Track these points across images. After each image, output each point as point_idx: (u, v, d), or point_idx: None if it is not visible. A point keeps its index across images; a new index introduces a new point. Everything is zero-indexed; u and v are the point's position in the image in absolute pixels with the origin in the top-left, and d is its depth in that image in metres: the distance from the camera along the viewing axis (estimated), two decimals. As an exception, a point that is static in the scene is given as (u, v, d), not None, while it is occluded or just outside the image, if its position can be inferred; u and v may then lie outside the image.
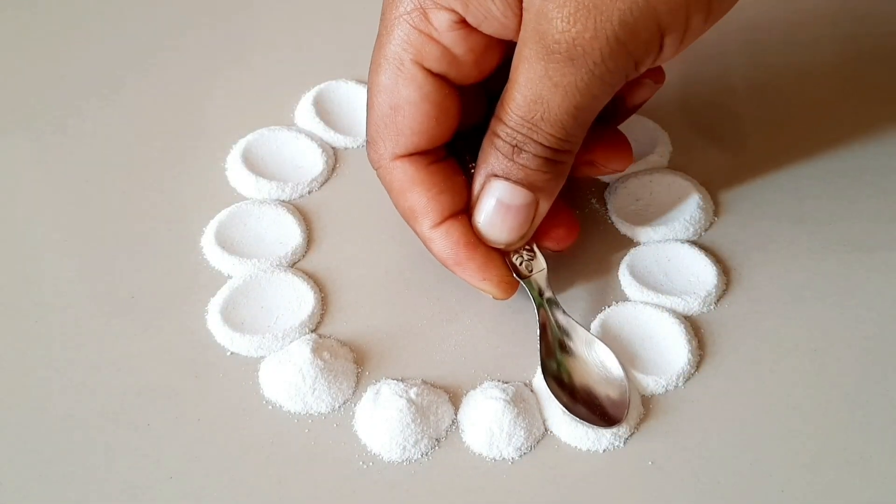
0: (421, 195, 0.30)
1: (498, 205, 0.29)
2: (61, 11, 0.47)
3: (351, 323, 0.33)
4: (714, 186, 0.38)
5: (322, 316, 0.33)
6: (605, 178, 0.38)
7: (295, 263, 0.35)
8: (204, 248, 0.35)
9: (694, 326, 0.33)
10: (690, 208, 0.36)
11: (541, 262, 0.32)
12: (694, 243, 0.35)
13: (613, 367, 0.30)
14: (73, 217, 0.36)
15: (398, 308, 0.33)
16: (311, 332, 0.33)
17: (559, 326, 0.31)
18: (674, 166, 0.39)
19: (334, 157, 0.39)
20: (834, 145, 0.40)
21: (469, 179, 0.31)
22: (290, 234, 0.35)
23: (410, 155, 0.30)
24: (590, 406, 0.29)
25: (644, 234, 0.36)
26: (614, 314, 0.33)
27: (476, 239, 0.30)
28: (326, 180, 0.38)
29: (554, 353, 0.30)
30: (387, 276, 0.34)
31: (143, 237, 0.36)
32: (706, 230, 0.36)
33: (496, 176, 0.29)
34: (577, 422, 0.29)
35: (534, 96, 0.27)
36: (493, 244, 0.30)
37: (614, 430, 0.29)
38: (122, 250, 0.35)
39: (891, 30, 0.46)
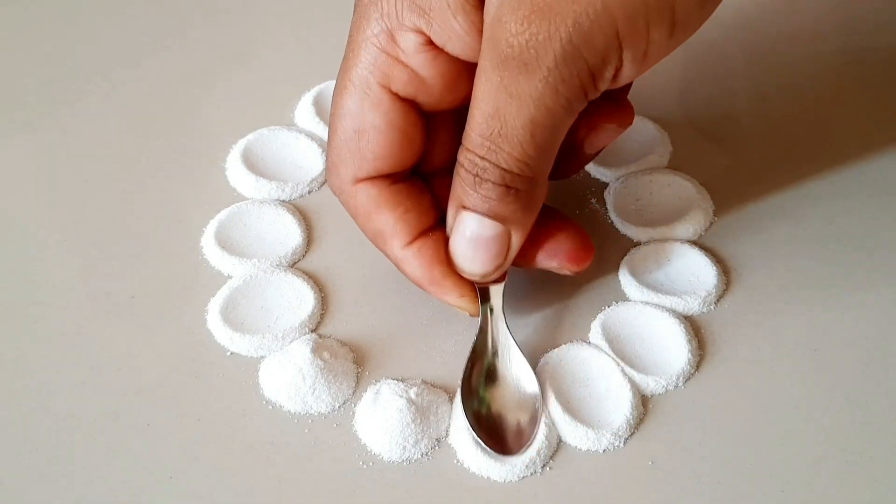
0: (388, 216, 0.30)
1: (469, 237, 0.29)
2: (61, 11, 0.47)
3: (351, 323, 0.33)
4: (714, 186, 0.38)
5: (322, 316, 0.33)
6: (604, 178, 0.38)
7: (295, 263, 0.35)
8: (204, 248, 0.35)
9: (694, 326, 0.33)
10: (690, 208, 0.36)
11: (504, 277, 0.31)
12: (694, 243, 0.35)
13: (529, 385, 0.30)
14: (73, 217, 0.36)
15: (398, 308, 0.33)
16: (311, 332, 0.33)
17: (493, 340, 0.30)
18: (674, 166, 0.39)
19: (334, 157, 0.39)
20: (834, 145, 0.40)
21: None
22: (290, 234, 0.35)
23: (373, 178, 0.29)
24: (495, 433, 0.29)
25: (644, 234, 0.36)
26: (614, 314, 0.33)
27: (449, 256, 0.30)
28: (326, 180, 0.38)
29: (478, 383, 0.30)
30: (387, 276, 0.34)
31: (143, 237, 0.36)
32: (706, 230, 0.36)
33: (465, 208, 0.28)
34: (481, 446, 0.29)
35: (491, 110, 0.26)
36: (469, 277, 0.30)
37: (614, 429, 0.29)
38: (122, 250, 0.35)
39: (891, 30, 0.46)
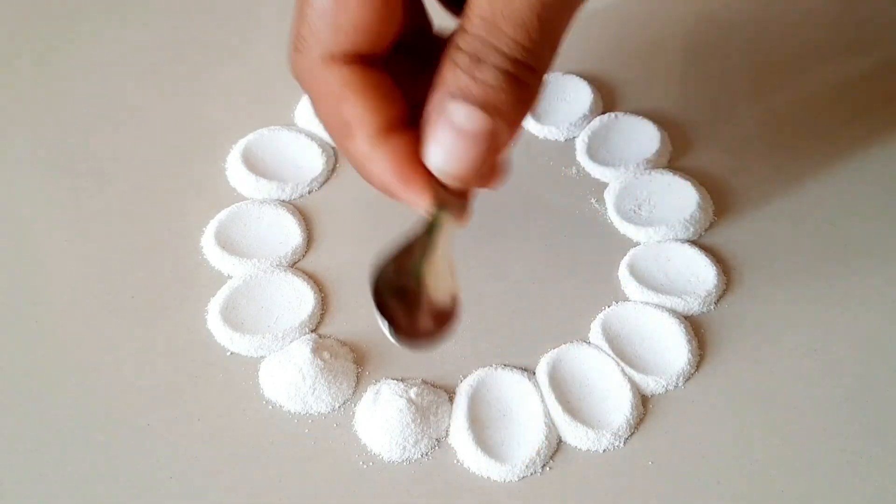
0: (358, 103, 0.26)
1: (452, 129, 0.25)
2: (62, 11, 0.47)
3: (351, 323, 0.33)
4: (714, 186, 0.38)
5: (322, 316, 0.33)
6: (604, 178, 0.38)
7: (295, 263, 0.35)
8: (204, 248, 0.35)
9: (694, 326, 0.33)
10: (690, 208, 0.36)
11: (465, 218, 0.27)
12: (694, 243, 0.35)
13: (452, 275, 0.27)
14: (74, 217, 0.36)
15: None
16: (311, 332, 0.33)
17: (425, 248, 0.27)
18: (674, 166, 0.39)
19: (334, 157, 0.39)
20: (834, 145, 0.40)
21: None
22: (290, 234, 0.35)
23: (346, 59, 0.27)
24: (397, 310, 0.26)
25: (644, 234, 0.36)
26: (614, 314, 0.33)
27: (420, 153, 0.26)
28: (326, 180, 0.38)
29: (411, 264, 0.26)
30: (387, 276, 0.34)
31: (143, 237, 0.36)
32: (706, 230, 0.36)
33: (452, 97, 0.25)
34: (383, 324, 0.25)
35: None
36: (440, 175, 0.26)
37: (614, 429, 0.29)
38: (122, 250, 0.35)
39: (891, 30, 0.46)
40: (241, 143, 0.39)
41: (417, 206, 0.27)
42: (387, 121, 0.27)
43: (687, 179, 0.37)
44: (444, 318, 0.26)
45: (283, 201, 0.37)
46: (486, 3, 0.24)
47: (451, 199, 0.27)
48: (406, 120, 0.27)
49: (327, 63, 0.27)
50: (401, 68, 0.28)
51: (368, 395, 0.30)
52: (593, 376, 0.31)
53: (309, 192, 0.38)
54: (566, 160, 0.39)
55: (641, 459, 0.29)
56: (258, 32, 0.46)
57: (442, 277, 0.26)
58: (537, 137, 0.40)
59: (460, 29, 0.25)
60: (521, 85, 0.25)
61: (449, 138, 0.26)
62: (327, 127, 0.28)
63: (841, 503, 0.28)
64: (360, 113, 0.27)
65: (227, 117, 0.41)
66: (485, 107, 0.25)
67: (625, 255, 0.35)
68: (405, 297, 0.26)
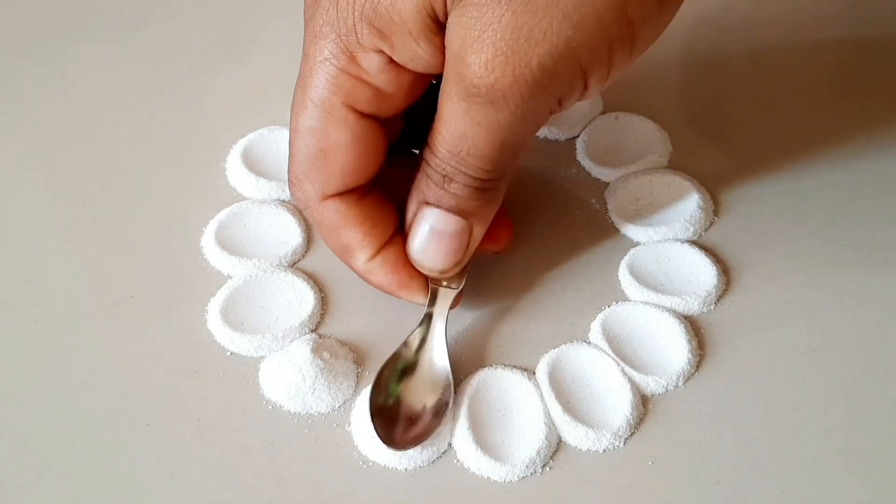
0: (355, 232, 0.30)
1: (431, 232, 0.29)
2: (62, 11, 0.47)
3: (351, 323, 0.33)
4: (714, 186, 0.38)
5: (322, 316, 0.33)
6: (604, 178, 0.38)
7: (295, 263, 0.35)
8: (204, 248, 0.35)
9: (694, 326, 0.33)
10: (690, 208, 0.36)
11: (460, 283, 0.31)
12: (694, 243, 0.35)
13: (442, 391, 0.30)
14: (74, 217, 0.36)
15: (398, 308, 0.33)
16: (311, 332, 0.33)
17: (423, 340, 0.31)
18: (674, 166, 0.39)
19: (334, 157, 0.39)
20: (834, 145, 0.40)
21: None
22: (290, 234, 0.35)
23: (341, 193, 0.30)
24: (393, 425, 0.29)
25: (644, 234, 0.36)
26: (614, 314, 0.33)
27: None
28: (326, 180, 0.38)
29: (390, 376, 0.30)
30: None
31: (143, 237, 0.36)
32: (706, 230, 0.36)
33: (428, 204, 0.29)
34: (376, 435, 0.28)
35: (458, 133, 0.27)
36: (427, 272, 0.30)
37: (614, 429, 0.29)
38: (122, 250, 0.35)
39: (891, 30, 0.46)
40: (241, 143, 0.39)
41: (416, 302, 0.31)
42: (379, 242, 0.30)
43: (687, 179, 0.37)
44: (422, 423, 0.29)
45: (283, 201, 0.37)
46: (452, 143, 0.27)
47: (445, 281, 0.31)
48: (396, 229, 0.31)
49: (323, 199, 0.30)
50: (390, 173, 0.31)
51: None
52: (593, 376, 0.31)
53: (309, 192, 0.38)
54: (566, 160, 0.39)
55: (641, 459, 0.29)
56: (258, 33, 0.46)
57: (424, 381, 0.30)
58: (537, 137, 0.40)
59: (428, 149, 0.28)
60: (486, 192, 0.29)
61: (428, 238, 0.29)
62: (330, 247, 0.31)
63: (841, 503, 0.28)
64: (357, 240, 0.30)
65: (227, 117, 0.41)
66: (458, 212, 0.29)
67: (625, 255, 0.35)
68: (385, 413, 0.29)
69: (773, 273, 0.35)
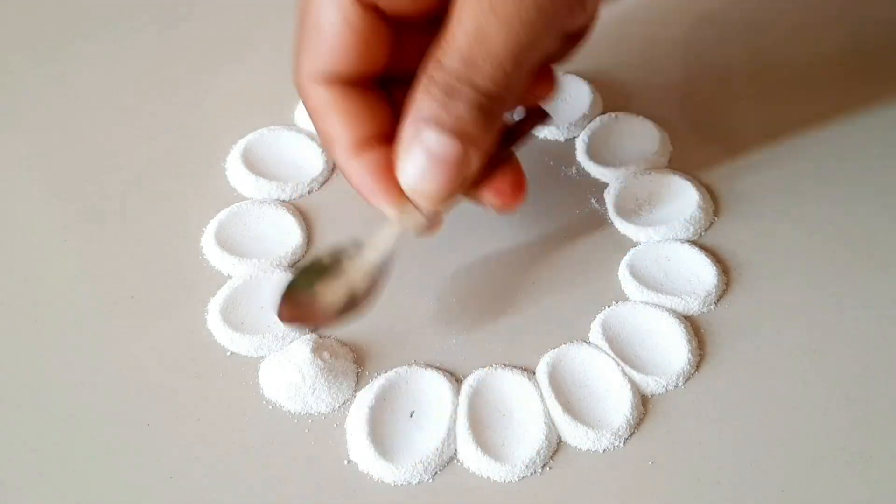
0: (336, 120, 0.29)
1: (427, 156, 0.27)
2: (62, 11, 0.47)
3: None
4: (714, 186, 0.38)
5: (322, 316, 0.33)
6: (604, 179, 0.38)
7: (295, 263, 0.35)
8: (204, 248, 0.35)
9: (694, 326, 0.33)
10: (690, 208, 0.36)
11: (437, 217, 0.29)
12: (694, 243, 0.35)
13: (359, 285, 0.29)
14: (73, 217, 0.36)
15: (398, 307, 0.33)
16: (311, 332, 0.33)
17: (369, 249, 0.29)
18: (674, 166, 0.39)
19: (334, 157, 0.39)
20: (834, 145, 0.40)
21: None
22: (290, 234, 0.35)
23: (331, 79, 0.29)
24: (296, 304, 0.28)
25: (644, 234, 0.36)
26: (614, 314, 0.33)
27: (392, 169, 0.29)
28: (326, 180, 0.38)
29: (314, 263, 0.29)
30: (387, 276, 0.34)
31: (143, 237, 0.36)
32: (706, 230, 0.36)
33: (426, 124, 0.27)
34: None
35: (476, 31, 0.25)
36: (416, 196, 0.28)
37: (614, 429, 0.29)
38: (122, 250, 0.35)
39: (892, 31, 0.46)
40: (241, 143, 0.39)
41: (385, 211, 0.29)
42: (360, 138, 0.29)
43: (687, 179, 0.37)
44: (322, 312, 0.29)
45: (283, 201, 0.37)
46: (464, 42, 0.26)
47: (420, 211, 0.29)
48: (386, 133, 0.29)
49: (314, 81, 0.29)
50: (404, 93, 0.29)
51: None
52: (593, 376, 0.31)
53: (309, 192, 0.38)
54: (566, 160, 0.39)
55: (641, 459, 0.29)
56: (258, 33, 0.46)
57: (350, 279, 0.29)
58: (537, 137, 0.40)
59: (434, 60, 0.27)
60: (490, 116, 0.27)
61: (422, 161, 0.27)
62: (318, 135, 0.30)
63: (841, 503, 0.28)
64: (337, 129, 0.29)
65: (227, 117, 0.41)
66: (457, 135, 0.27)
67: (625, 255, 0.35)
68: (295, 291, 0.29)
69: (773, 273, 0.35)
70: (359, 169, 0.29)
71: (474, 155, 0.27)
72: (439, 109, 0.26)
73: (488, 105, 0.27)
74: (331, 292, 0.29)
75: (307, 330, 0.29)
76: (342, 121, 0.29)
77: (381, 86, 0.30)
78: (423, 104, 0.27)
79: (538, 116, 0.32)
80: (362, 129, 0.29)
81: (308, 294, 0.29)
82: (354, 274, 0.29)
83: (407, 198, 0.28)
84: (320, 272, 0.29)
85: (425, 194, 0.28)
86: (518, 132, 0.31)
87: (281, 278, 0.34)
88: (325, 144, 0.30)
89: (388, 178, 0.28)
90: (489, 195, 0.30)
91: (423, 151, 0.27)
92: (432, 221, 0.29)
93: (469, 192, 0.29)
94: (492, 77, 0.26)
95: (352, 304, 0.29)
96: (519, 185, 0.31)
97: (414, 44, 0.29)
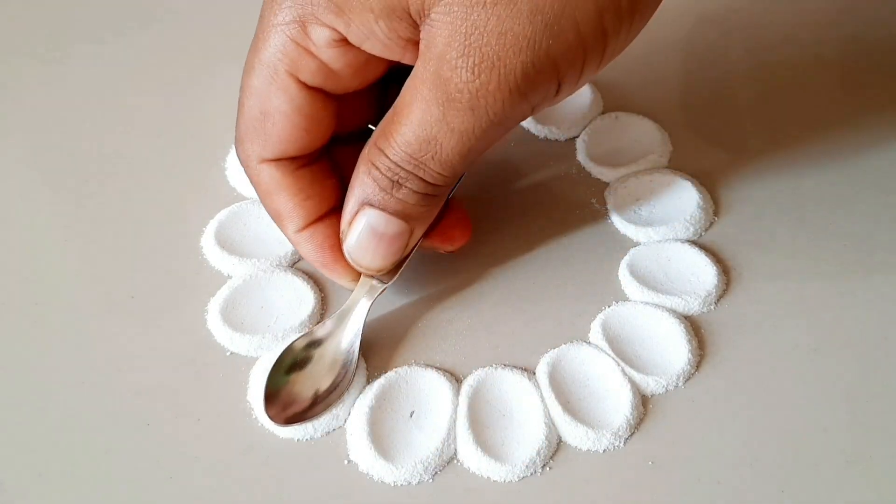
0: (287, 200, 0.30)
1: (370, 232, 0.29)
2: (62, 11, 0.47)
3: (351, 323, 0.33)
4: (714, 186, 0.38)
5: (322, 316, 0.33)
6: (604, 178, 0.38)
7: (295, 263, 0.35)
8: (204, 248, 0.35)
9: (694, 326, 0.33)
10: (690, 208, 0.36)
11: (392, 278, 0.31)
12: (694, 243, 0.35)
13: (339, 375, 0.30)
14: (73, 217, 0.37)
15: (397, 307, 0.33)
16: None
17: (336, 326, 0.31)
18: (674, 166, 0.39)
19: (334, 157, 0.39)
20: (834, 145, 0.40)
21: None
22: (290, 234, 0.35)
23: (278, 159, 0.29)
24: (280, 402, 0.29)
25: (644, 234, 0.36)
26: (614, 314, 0.33)
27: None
28: (326, 180, 0.38)
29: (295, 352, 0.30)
30: (387, 276, 0.34)
31: (143, 237, 0.36)
32: (706, 230, 0.36)
33: (369, 205, 0.28)
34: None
35: (427, 137, 0.26)
36: (362, 270, 0.30)
37: (614, 429, 0.29)
38: (122, 250, 0.35)
39: (892, 31, 0.46)
40: (241, 143, 0.39)
41: (341, 284, 0.31)
42: (311, 215, 0.30)
43: (687, 179, 0.37)
44: (296, 410, 0.29)
45: (283, 201, 0.37)
46: (417, 146, 0.27)
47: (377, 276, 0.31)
48: (334, 206, 0.30)
49: (260, 162, 0.30)
50: (346, 154, 0.31)
51: None
52: (593, 376, 0.31)
53: (309, 192, 0.38)
54: (566, 160, 0.39)
55: (641, 459, 0.29)
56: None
57: (324, 364, 0.30)
58: (537, 137, 0.40)
59: (378, 150, 0.27)
60: (434, 198, 0.28)
61: (365, 238, 0.29)
62: (265, 209, 0.31)
63: (841, 503, 0.28)
64: (287, 209, 0.30)
65: (227, 117, 0.41)
66: (400, 216, 0.28)
67: (625, 255, 0.35)
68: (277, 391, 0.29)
69: (773, 273, 0.35)
70: (311, 245, 0.30)
71: (418, 230, 0.29)
72: (384, 196, 0.28)
73: (432, 192, 0.28)
74: (308, 385, 0.30)
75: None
76: (292, 201, 0.30)
77: (325, 150, 0.31)
78: (368, 189, 0.28)
79: None
80: (312, 209, 0.30)
81: (287, 391, 0.29)
82: (328, 362, 0.30)
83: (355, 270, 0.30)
84: (294, 366, 0.30)
85: (370, 267, 0.30)
86: None
87: (281, 278, 0.34)
88: (276, 221, 0.31)
89: (341, 252, 0.30)
90: (437, 242, 0.32)
91: (367, 228, 0.28)
92: (389, 282, 0.31)
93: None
94: (439, 176, 0.27)
95: (332, 389, 0.30)
96: (464, 226, 0.33)
97: (354, 105, 0.31)
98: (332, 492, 0.28)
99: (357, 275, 0.31)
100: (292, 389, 0.29)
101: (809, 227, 0.36)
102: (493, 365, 0.31)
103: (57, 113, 0.41)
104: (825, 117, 0.41)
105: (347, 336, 0.30)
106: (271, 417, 0.28)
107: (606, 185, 0.38)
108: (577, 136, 0.40)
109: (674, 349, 0.32)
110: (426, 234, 0.31)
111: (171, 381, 0.31)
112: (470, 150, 0.27)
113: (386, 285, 0.31)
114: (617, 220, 0.36)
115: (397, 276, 0.31)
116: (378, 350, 0.32)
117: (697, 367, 0.32)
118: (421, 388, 0.31)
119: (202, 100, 0.42)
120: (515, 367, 0.31)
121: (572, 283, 0.34)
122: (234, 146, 0.39)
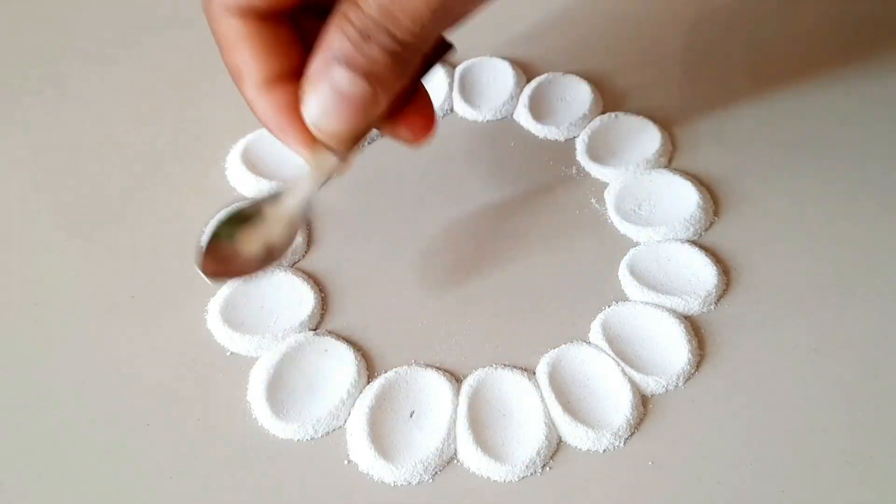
0: (248, 53, 0.28)
1: (332, 91, 0.27)
2: (63, 13, 0.47)
3: (351, 322, 0.33)
4: (714, 186, 0.38)
5: (322, 315, 0.33)
6: (604, 179, 0.38)
7: (295, 263, 0.35)
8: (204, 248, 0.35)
9: (694, 326, 0.33)
10: (690, 208, 0.36)
11: (346, 154, 0.29)
12: (694, 243, 0.35)
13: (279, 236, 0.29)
14: (74, 216, 0.37)
15: (397, 307, 0.33)
16: (311, 331, 0.33)
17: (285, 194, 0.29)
18: (674, 166, 0.39)
19: (334, 157, 0.39)
20: (834, 145, 0.40)
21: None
22: (290, 234, 0.35)
23: (243, 12, 0.28)
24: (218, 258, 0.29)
25: (644, 234, 0.36)
26: (614, 314, 0.33)
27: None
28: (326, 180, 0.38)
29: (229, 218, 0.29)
30: (386, 275, 0.34)
31: (143, 237, 0.36)
32: (706, 230, 0.36)
33: (337, 61, 0.26)
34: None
35: None
36: (320, 133, 0.28)
37: (614, 429, 0.29)
38: (122, 250, 0.35)
39: (891, 30, 0.46)
40: (241, 143, 0.39)
41: (297, 153, 0.29)
42: (272, 73, 0.28)
43: (687, 179, 0.37)
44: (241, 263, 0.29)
45: (283, 201, 0.37)
46: None
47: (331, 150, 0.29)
48: (298, 73, 0.28)
49: (227, 13, 0.28)
50: (315, 27, 0.28)
51: None
52: (593, 376, 0.31)
53: (309, 192, 0.37)
54: (566, 160, 0.39)
55: (641, 459, 0.29)
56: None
57: (268, 228, 0.29)
58: (537, 137, 0.40)
59: (350, 4, 0.26)
60: (403, 62, 0.27)
61: (328, 98, 0.27)
62: (227, 68, 0.29)
63: (841, 503, 0.28)
64: (247, 63, 0.28)
65: (227, 117, 0.41)
66: (367, 76, 0.26)
67: (625, 255, 0.35)
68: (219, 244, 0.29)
69: (773, 273, 0.35)
70: (268, 105, 0.29)
71: (383, 97, 0.27)
72: (352, 52, 0.26)
73: (403, 53, 0.26)
74: (251, 242, 0.29)
75: (229, 281, 0.30)
76: (253, 55, 0.28)
77: (292, 17, 0.29)
78: (335, 42, 0.26)
79: (443, 48, 0.31)
80: (273, 65, 0.29)
81: (229, 246, 0.29)
82: (273, 222, 0.29)
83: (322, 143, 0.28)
84: (240, 221, 0.29)
85: (329, 132, 0.28)
86: (424, 64, 0.30)
87: (281, 278, 0.34)
88: (234, 78, 0.29)
89: (298, 116, 0.28)
90: (400, 129, 0.30)
91: (331, 89, 0.27)
92: (344, 161, 0.29)
93: (379, 125, 0.29)
94: (410, 30, 0.26)
95: (270, 253, 0.29)
96: (428, 119, 0.31)
97: None
98: (332, 492, 0.28)
99: (312, 141, 0.29)
100: (232, 245, 0.29)
101: (809, 226, 0.36)
102: (493, 365, 0.31)
103: (57, 113, 0.41)
104: (825, 117, 0.41)
105: (294, 202, 0.29)
106: (203, 270, 0.28)
107: (606, 185, 0.38)
108: (577, 136, 0.40)
109: (674, 349, 0.32)
110: (389, 117, 0.29)
111: (171, 381, 0.31)
112: (440, 4, 0.25)
113: (339, 163, 0.29)
114: (617, 220, 0.36)
115: (352, 154, 0.29)
116: (378, 350, 0.32)
117: (697, 367, 0.32)
118: (421, 388, 0.31)
119: (202, 100, 0.42)
120: (515, 367, 0.31)
121: (572, 283, 0.34)
122: (234, 146, 0.39)
